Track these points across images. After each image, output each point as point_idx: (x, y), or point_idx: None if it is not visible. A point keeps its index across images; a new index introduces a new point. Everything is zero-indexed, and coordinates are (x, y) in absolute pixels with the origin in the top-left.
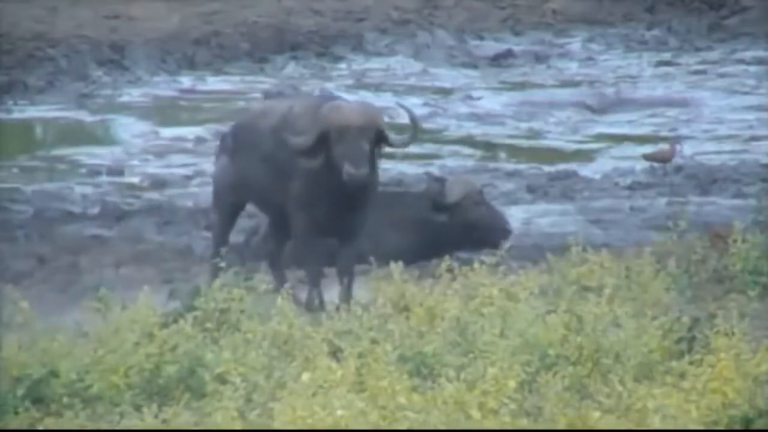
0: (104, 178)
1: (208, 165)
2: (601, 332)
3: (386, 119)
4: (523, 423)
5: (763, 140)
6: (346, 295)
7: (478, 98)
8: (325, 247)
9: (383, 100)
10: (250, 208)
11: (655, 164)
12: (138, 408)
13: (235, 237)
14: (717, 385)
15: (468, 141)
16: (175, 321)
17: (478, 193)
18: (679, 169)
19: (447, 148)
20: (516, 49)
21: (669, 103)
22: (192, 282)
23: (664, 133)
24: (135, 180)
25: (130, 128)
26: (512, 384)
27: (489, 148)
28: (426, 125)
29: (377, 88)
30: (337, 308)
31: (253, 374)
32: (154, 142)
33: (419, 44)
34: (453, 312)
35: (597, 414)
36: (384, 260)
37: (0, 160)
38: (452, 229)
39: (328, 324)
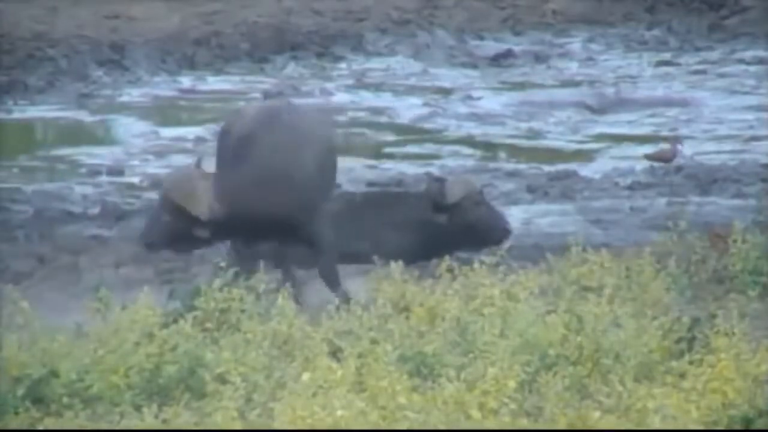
0: (104, 178)
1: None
2: (601, 332)
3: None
4: (523, 423)
5: (763, 140)
6: (340, 297)
7: (478, 98)
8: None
9: (383, 100)
10: None
11: (656, 164)
12: (138, 408)
13: None
14: (717, 385)
15: (468, 141)
16: (175, 321)
17: (478, 193)
18: (679, 169)
19: (447, 148)
20: (516, 49)
21: (669, 103)
22: (192, 282)
23: (664, 133)
24: (135, 180)
25: (130, 128)
26: (512, 384)
27: (489, 148)
28: (426, 125)
29: (377, 88)
30: (338, 308)
31: (253, 374)
32: (154, 142)
33: (419, 44)
34: (453, 312)
35: (597, 414)
36: (384, 260)
37: (0, 160)
38: (452, 229)
39: (328, 324)
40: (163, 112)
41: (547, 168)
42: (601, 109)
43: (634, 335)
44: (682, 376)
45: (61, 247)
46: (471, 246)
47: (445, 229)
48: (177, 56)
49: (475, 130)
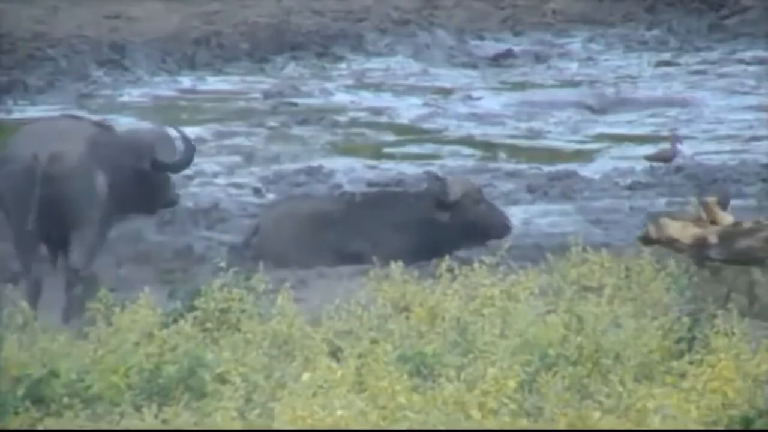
0: None
1: (208, 165)
2: (601, 332)
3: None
4: (523, 423)
5: (763, 140)
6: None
7: (478, 98)
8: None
9: (383, 100)
10: (250, 208)
11: (656, 164)
12: (138, 408)
13: (236, 237)
14: (717, 385)
15: (468, 141)
16: (175, 321)
17: (477, 192)
18: (679, 169)
19: (447, 148)
20: (516, 49)
21: (669, 103)
22: (192, 282)
23: (664, 133)
24: None
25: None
26: (512, 384)
27: (489, 148)
28: (426, 125)
29: (377, 88)
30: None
31: (253, 374)
32: None
33: (419, 44)
34: (453, 312)
35: (597, 414)
36: (384, 260)
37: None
38: (453, 228)
39: (328, 324)
40: (163, 112)
41: (547, 168)
42: (601, 109)
43: (634, 335)
44: (682, 376)
45: None
46: (473, 242)
47: (447, 226)
48: (177, 56)
49: (475, 130)
